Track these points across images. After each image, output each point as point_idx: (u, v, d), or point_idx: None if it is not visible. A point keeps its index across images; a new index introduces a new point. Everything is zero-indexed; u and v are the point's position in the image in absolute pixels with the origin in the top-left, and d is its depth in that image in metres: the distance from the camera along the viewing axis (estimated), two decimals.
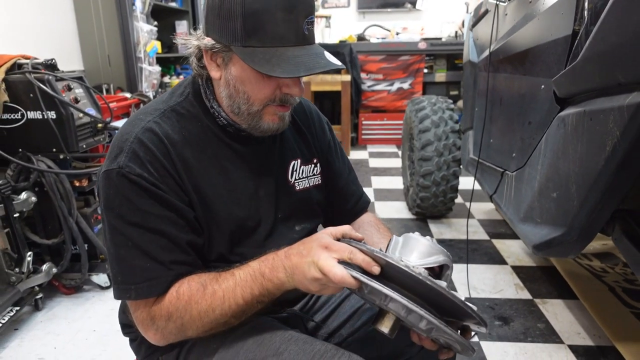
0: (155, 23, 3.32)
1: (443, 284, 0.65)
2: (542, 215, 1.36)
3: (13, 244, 1.83)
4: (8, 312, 1.79)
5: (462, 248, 2.54)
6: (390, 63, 4.79)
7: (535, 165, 1.44)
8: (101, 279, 2.14)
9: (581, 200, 1.10)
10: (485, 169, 2.13)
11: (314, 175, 1.01)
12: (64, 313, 1.97)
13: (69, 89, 1.97)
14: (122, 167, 0.77)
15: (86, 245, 1.99)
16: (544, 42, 1.39)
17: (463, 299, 0.65)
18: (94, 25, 2.90)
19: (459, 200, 3.03)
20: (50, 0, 2.64)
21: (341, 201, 1.08)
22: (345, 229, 0.76)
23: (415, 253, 0.73)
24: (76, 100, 1.96)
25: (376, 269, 0.69)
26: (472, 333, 0.77)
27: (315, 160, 1.02)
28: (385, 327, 0.71)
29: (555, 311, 1.95)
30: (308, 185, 0.99)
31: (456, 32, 4.94)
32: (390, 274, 0.70)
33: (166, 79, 3.68)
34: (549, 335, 1.79)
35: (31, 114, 1.84)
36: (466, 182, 2.80)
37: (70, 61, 2.84)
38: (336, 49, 4.61)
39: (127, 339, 0.99)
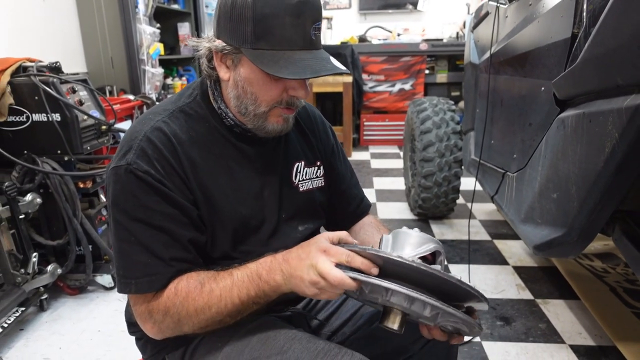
0: (158, 25, 3.33)
1: (437, 267, 0.66)
2: (543, 216, 1.37)
3: (19, 245, 1.85)
4: (14, 313, 1.80)
5: (464, 248, 2.54)
6: (391, 64, 4.80)
7: (535, 166, 1.45)
8: (105, 279, 2.15)
9: (581, 201, 1.11)
10: (486, 170, 2.14)
11: (317, 177, 1.03)
12: (68, 313, 1.99)
13: (73, 91, 1.99)
14: (130, 163, 0.79)
15: (90, 247, 2.00)
16: (544, 45, 1.41)
17: (459, 277, 0.66)
18: (97, 28, 2.91)
19: (460, 201, 3.03)
20: (53, 3, 2.66)
21: (343, 204, 1.10)
22: (342, 234, 0.77)
23: (407, 246, 0.75)
24: (80, 103, 1.98)
25: (375, 271, 0.70)
26: (476, 312, 0.77)
27: (318, 163, 1.03)
28: (392, 323, 0.72)
29: (557, 311, 1.95)
30: (311, 187, 1.01)
31: (457, 33, 4.95)
32: (387, 271, 0.71)
33: (169, 81, 3.69)
34: (551, 335, 1.80)
35: (36, 116, 1.86)
36: (467, 183, 2.80)
37: (73, 63, 2.85)
38: (338, 50, 4.60)
39: (133, 338, 1.00)
